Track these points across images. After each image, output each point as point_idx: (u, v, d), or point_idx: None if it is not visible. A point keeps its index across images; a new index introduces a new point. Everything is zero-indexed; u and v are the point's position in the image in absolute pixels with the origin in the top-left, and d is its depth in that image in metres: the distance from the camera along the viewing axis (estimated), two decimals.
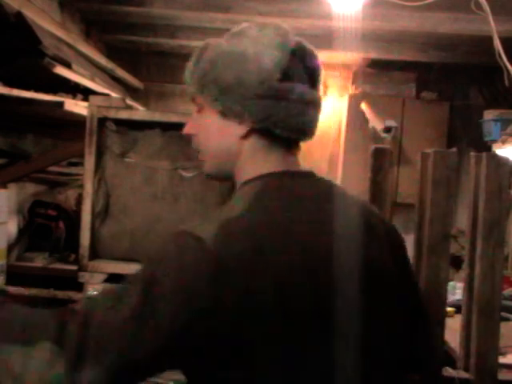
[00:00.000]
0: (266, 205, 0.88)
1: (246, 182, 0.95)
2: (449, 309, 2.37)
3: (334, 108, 4.79)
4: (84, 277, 1.85)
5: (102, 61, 3.80)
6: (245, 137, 0.94)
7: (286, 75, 0.92)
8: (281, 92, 0.91)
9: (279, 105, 0.91)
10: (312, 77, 0.96)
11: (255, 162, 0.95)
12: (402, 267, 1.01)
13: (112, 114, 1.81)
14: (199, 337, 0.78)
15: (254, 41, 0.93)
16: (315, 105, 0.96)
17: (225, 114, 0.94)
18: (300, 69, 0.94)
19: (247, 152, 0.95)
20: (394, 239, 1.03)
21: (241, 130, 0.94)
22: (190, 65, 1.02)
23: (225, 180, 1.07)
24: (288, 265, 0.83)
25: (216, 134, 0.97)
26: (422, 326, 1.08)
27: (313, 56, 0.97)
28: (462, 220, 2.68)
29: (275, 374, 0.81)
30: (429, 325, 1.15)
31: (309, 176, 0.98)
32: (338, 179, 4.63)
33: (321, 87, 1.00)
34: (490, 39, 2.61)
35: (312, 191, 0.95)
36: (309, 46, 0.97)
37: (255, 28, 0.95)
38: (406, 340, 1.00)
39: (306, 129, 0.95)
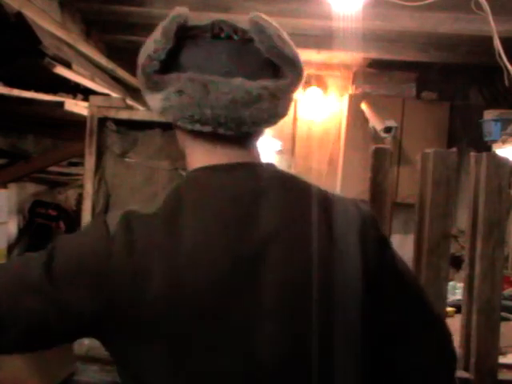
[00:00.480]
0: (172, 206, 0.85)
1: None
2: (449, 309, 2.37)
3: (333, 108, 4.79)
4: None
5: (103, 61, 3.80)
6: (179, 131, 0.92)
7: (170, 66, 0.87)
8: (162, 84, 0.87)
9: (167, 97, 0.86)
10: (234, 64, 0.87)
11: (190, 161, 0.92)
12: (375, 264, 0.88)
13: (112, 113, 1.81)
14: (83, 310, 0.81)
15: (149, 37, 0.90)
16: (233, 94, 0.84)
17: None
18: (203, 56, 0.87)
19: (185, 149, 0.93)
20: (357, 226, 0.89)
21: (163, 117, 0.90)
22: None
23: None
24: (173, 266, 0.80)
25: (180, 137, 0.95)
26: (414, 336, 0.92)
27: (239, 44, 0.89)
28: (462, 220, 2.68)
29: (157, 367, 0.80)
30: (435, 336, 0.96)
31: (236, 168, 0.88)
32: (338, 179, 4.64)
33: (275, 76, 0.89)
34: (490, 39, 2.61)
35: (233, 184, 0.86)
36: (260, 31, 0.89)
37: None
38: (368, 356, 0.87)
39: (222, 121, 0.85)
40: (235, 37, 0.89)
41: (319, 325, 0.82)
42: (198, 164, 0.89)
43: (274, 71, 0.89)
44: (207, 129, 0.85)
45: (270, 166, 0.91)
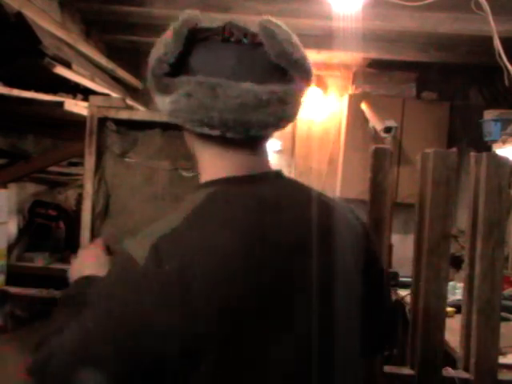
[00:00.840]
0: (201, 222, 0.83)
1: (198, 187, 0.92)
2: (449, 309, 2.38)
3: (333, 108, 4.79)
4: None
5: (102, 61, 3.80)
6: (196, 139, 0.92)
7: (180, 69, 0.88)
8: (172, 87, 0.87)
9: (176, 100, 0.86)
10: (243, 68, 0.87)
11: (202, 166, 0.93)
12: (362, 260, 0.99)
13: (112, 113, 1.81)
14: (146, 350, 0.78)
15: (158, 40, 0.93)
16: (245, 98, 0.84)
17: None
18: (213, 59, 0.87)
19: (196, 153, 0.94)
20: (356, 234, 1.00)
21: (171, 120, 0.90)
22: None
23: None
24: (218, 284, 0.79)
25: (191, 143, 0.96)
26: (379, 309, 1.07)
27: (249, 47, 0.89)
28: (462, 220, 2.68)
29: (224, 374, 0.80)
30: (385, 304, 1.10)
31: (255, 181, 0.91)
32: (338, 179, 4.64)
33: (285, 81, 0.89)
34: (490, 39, 2.60)
35: (253, 196, 0.88)
36: (270, 35, 0.89)
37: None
38: (359, 327, 0.98)
39: (231, 125, 0.85)
40: (245, 40, 0.89)
41: (336, 319, 0.90)
42: (212, 169, 0.91)
43: (282, 75, 0.90)
44: (215, 132, 0.86)
45: (280, 174, 0.97)
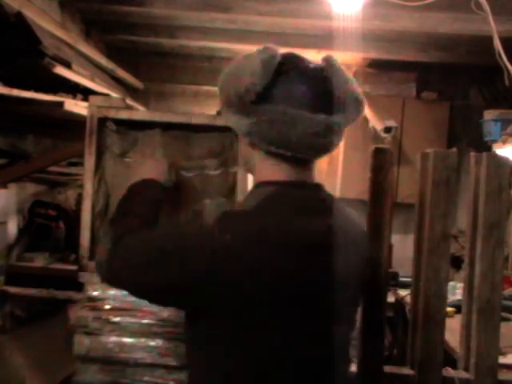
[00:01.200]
0: (265, 207, 1.03)
1: (257, 186, 1.11)
2: (449, 309, 2.38)
3: None
4: (84, 277, 1.84)
5: (102, 61, 3.80)
6: (250, 145, 1.10)
7: (264, 97, 1.02)
8: (257, 112, 1.03)
9: (260, 123, 1.03)
10: (327, 103, 1.05)
11: (264, 169, 1.11)
12: (363, 264, 1.20)
13: (112, 113, 1.81)
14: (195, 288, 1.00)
15: (241, 67, 1.05)
16: (316, 127, 1.03)
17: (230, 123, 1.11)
18: (293, 91, 1.03)
19: (255, 158, 1.11)
20: (362, 243, 1.21)
21: (246, 139, 1.10)
22: None
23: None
24: (265, 258, 0.99)
25: (242, 143, 1.16)
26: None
27: (337, 84, 1.05)
28: (462, 220, 2.68)
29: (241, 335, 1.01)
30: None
31: (309, 187, 1.11)
32: (338, 179, 4.64)
33: (342, 112, 1.08)
34: (490, 39, 2.60)
35: (298, 199, 1.08)
36: (335, 72, 1.06)
37: (251, 55, 1.07)
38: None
39: (303, 148, 1.05)
40: (317, 74, 1.06)
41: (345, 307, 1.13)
42: (270, 177, 1.09)
43: (341, 106, 1.07)
44: (289, 153, 1.05)
45: (320, 185, 1.14)
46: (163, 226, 1.22)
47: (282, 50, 1.10)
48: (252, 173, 1.16)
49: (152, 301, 1.14)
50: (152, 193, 1.30)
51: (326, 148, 1.08)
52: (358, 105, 1.09)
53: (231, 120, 1.08)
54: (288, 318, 1.01)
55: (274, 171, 1.09)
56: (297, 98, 1.02)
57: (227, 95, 1.06)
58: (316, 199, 1.10)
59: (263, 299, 0.99)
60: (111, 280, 1.15)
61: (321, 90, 1.05)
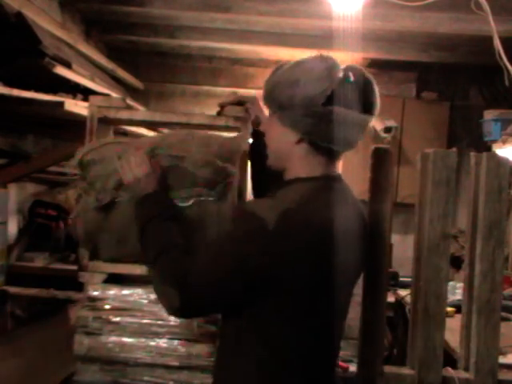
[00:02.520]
0: (315, 199, 1.18)
1: (298, 180, 1.24)
2: (449, 309, 2.38)
3: None
4: (84, 276, 1.84)
5: (103, 61, 3.80)
6: (297, 142, 1.22)
7: (330, 101, 1.17)
8: (323, 113, 1.17)
9: (321, 123, 1.18)
10: (365, 104, 1.23)
11: (304, 164, 1.24)
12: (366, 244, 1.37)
13: (112, 113, 1.81)
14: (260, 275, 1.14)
15: (306, 72, 1.19)
16: (358, 125, 1.23)
17: (284, 124, 1.23)
18: (350, 96, 1.20)
19: (298, 154, 1.24)
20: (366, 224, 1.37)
21: (294, 137, 1.22)
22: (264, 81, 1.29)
23: (277, 169, 1.31)
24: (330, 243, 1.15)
25: (276, 135, 1.26)
26: None
27: (370, 89, 1.26)
28: (462, 220, 2.68)
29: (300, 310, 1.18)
30: None
31: (340, 179, 1.28)
32: None
33: (375, 114, 1.28)
34: (490, 39, 2.60)
35: (343, 192, 1.27)
36: (367, 79, 1.26)
37: (311, 61, 1.21)
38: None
39: (346, 143, 1.24)
40: (361, 78, 1.24)
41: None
42: (310, 173, 1.24)
43: (374, 107, 1.28)
44: (338, 148, 1.23)
45: (341, 176, 1.30)
46: (215, 239, 1.30)
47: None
48: (281, 168, 1.28)
49: (232, 306, 1.21)
50: (166, 214, 1.30)
51: (357, 143, 1.27)
52: (377, 107, 1.30)
53: (288, 120, 1.21)
54: (335, 292, 1.20)
55: (315, 166, 1.24)
56: (350, 100, 1.20)
57: (285, 99, 1.20)
58: (349, 190, 1.29)
59: (322, 279, 1.17)
60: (199, 312, 1.30)
61: (365, 93, 1.24)
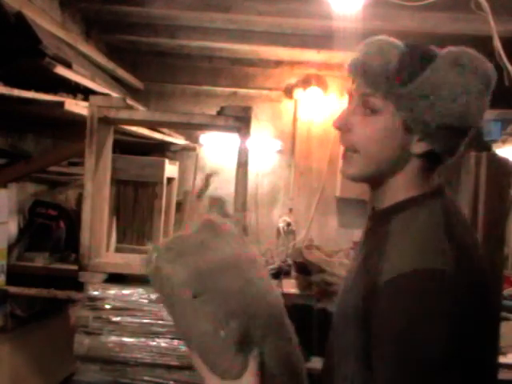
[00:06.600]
0: (454, 231, 0.93)
1: (412, 200, 0.98)
2: None
3: (334, 108, 4.79)
4: (84, 276, 1.85)
5: (103, 61, 3.80)
6: (420, 155, 0.97)
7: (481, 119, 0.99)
8: (470, 131, 0.98)
9: (462, 140, 0.98)
10: None
11: (418, 180, 0.99)
12: None
13: (112, 113, 1.81)
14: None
15: (467, 86, 0.97)
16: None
17: (411, 129, 0.96)
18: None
19: (413, 168, 0.99)
20: None
21: (419, 147, 0.97)
22: (378, 63, 1.00)
23: (365, 182, 1.04)
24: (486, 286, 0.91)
25: (389, 141, 0.97)
26: None
27: None
28: None
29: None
30: None
31: (442, 191, 1.03)
32: (337, 179, 4.64)
33: None
34: (489, 39, 2.61)
35: (455, 208, 1.02)
36: None
37: (469, 68, 1.00)
38: None
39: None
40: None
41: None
42: (417, 184, 0.99)
43: None
44: (450, 160, 1.01)
45: None
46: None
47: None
48: (377, 182, 1.01)
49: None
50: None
51: None
52: None
53: (427, 132, 0.97)
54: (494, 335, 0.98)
55: (423, 182, 1.00)
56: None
57: (442, 119, 0.96)
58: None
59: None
60: None
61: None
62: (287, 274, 4.33)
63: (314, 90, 4.69)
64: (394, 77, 0.96)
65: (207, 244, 0.95)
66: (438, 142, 0.96)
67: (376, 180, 1.00)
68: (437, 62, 1.01)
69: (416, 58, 1.02)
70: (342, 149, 1.06)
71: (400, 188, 0.99)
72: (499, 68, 2.66)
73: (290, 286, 3.95)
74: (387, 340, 0.84)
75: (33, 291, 2.30)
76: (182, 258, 0.93)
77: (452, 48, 1.05)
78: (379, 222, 1.00)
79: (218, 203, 1.18)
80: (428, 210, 0.95)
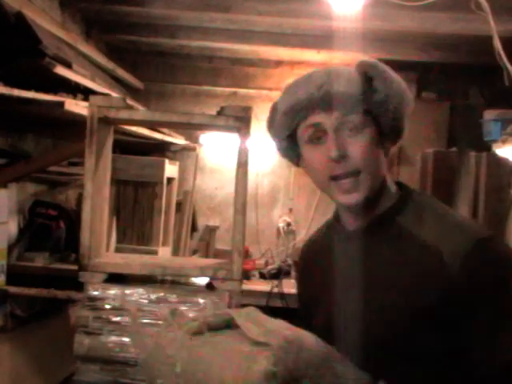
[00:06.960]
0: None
1: (407, 195, 1.09)
2: None
3: None
4: (84, 276, 1.85)
5: (103, 61, 3.80)
6: (387, 151, 1.10)
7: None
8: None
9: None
10: None
11: (389, 175, 1.10)
12: None
13: (112, 113, 1.81)
14: None
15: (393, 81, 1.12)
16: None
17: (385, 132, 1.10)
18: None
19: (386, 166, 1.09)
20: None
21: (392, 148, 1.11)
22: (349, 86, 1.04)
23: (370, 197, 1.07)
24: None
25: (377, 148, 1.07)
26: None
27: None
28: None
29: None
30: None
31: None
32: None
33: None
34: (490, 39, 2.61)
35: None
36: None
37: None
38: None
39: None
40: None
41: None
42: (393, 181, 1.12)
43: None
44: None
45: None
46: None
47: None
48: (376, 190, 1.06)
49: None
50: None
51: None
52: None
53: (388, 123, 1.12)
54: None
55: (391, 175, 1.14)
56: None
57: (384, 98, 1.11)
58: None
59: None
60: None
61: None
62: (287, 274, 4.34)
63: None
64: (364, 90, 1.04)
65: None
66: (396, 136, 1.13)
67: (374, 192, 1.06)
68: (370, 72, 1.07)
69: (363, 71, 1.07)
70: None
71: (390, 187, 1.10)
72: (499, 68, 2.66)
73: (290, 286, 3.95)
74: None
75: (33, 291, 2.30)
76: None
77: (362, 60, 1.10)
78: (378, 227, 1.06)
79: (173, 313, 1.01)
80: (426, 198, 1.09)
